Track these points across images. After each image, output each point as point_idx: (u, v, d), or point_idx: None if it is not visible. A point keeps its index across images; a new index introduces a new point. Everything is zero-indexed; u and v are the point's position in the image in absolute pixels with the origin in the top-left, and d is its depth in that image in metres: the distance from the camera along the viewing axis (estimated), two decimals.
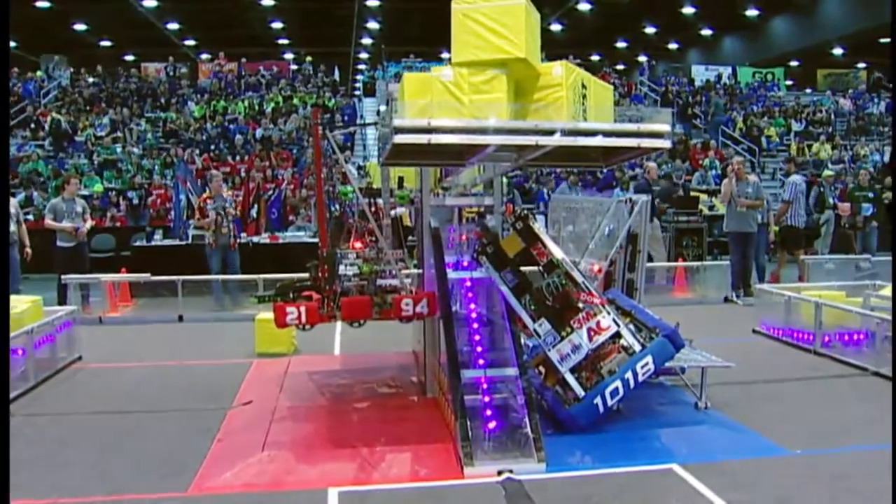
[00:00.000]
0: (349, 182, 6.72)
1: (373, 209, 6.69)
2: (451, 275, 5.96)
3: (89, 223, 11.37)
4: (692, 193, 17.15)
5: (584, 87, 4.93)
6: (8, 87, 22.40)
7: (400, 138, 4.54)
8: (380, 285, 6.11)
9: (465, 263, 6.11)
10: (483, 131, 4.59)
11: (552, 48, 30.29)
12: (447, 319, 5.56)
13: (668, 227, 14.07)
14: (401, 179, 6.93)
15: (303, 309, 5.84)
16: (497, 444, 5.02)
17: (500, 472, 4.73)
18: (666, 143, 5.09)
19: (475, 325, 5.77)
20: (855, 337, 7.88)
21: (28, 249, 10.45)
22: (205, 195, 11.70)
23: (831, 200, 16.08)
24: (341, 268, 6.07)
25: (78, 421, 6.09)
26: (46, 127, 21.77)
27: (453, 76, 4.65)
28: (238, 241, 11.79)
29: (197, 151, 20.29)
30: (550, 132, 4.61)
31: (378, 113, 20.69)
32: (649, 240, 12.56)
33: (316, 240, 6.59)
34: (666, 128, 4.98)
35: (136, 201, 17.79)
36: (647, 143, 5.01)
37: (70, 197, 11.07)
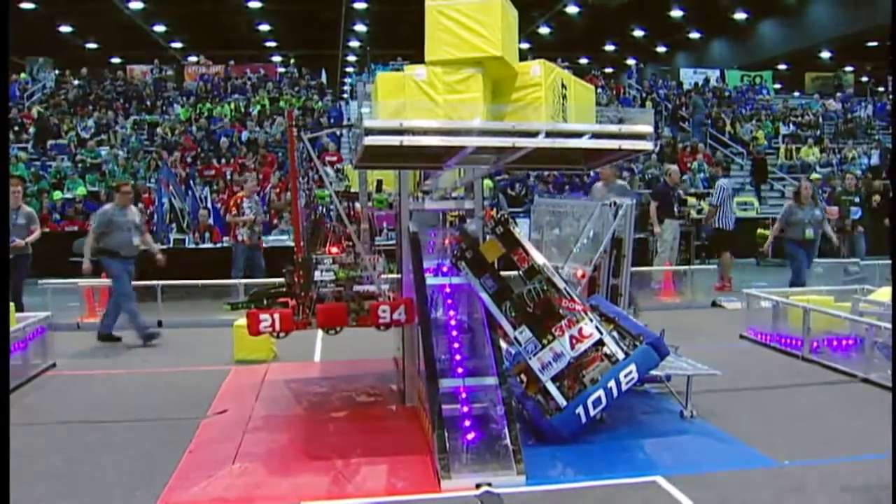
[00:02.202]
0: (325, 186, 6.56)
1: (351, 213, 6.54)
2: (431, 280, 5.82)
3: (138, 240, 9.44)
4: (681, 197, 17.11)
5: (563, 86, 4.78)
6: (7, 87, 22.10)
7: (371, 140, 4.39)
8: (357, 291, 5.95)
9: (445, 269, 5.98)
10: (457, 133, 4.44)
11: (540, 51, 30.24)
12: (425, 326, 5.40)
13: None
14: (379, 183, 6.79)
15: (276, 316, 5.68)
16: (475, 456, 4.87)
17: (478, 486, 4.59)
18: (648, 145, 4.94)
19: (454, 333, 5.63)
20: (844, 343, 7.77)
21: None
22: (240, 194, 12.10)
23: (820, 204, 16.00)
24: (317, 273, 5.91)
25: (46, 431, 5.91)
26: (31, 129, 21.53)
27: (427, 75, 4.48)
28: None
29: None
30: (528, 133, 4.45)
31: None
32: (671, 238, 12.48)
33: None
34: (648, 129, 4.83)
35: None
36: (628, 144, 4.85)
37: (125, 205, 9.21)
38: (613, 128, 4.81)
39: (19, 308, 8.82)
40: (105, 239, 8.96)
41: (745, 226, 17.78)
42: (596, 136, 4.74)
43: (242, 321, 7.68)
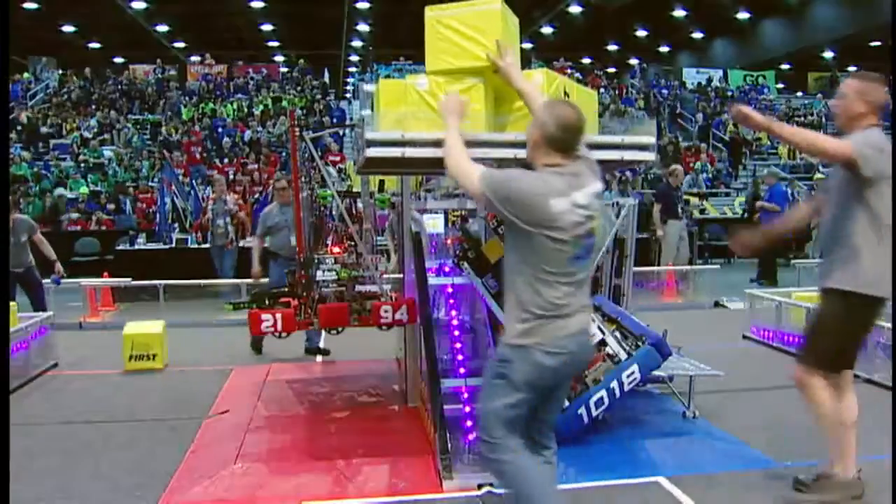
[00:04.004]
0: (328, 185, 6.56)
1: (353, 212, 6.55)
2: (433, 280, 5.80)
3: None
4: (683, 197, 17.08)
5: (566, 94, 4.75)
6: (7, 87, 22.15)
7: (373, 152, 4.40)
8: (358, 291, 5.94)
9: (448, 269, 5.96)
10: None
11: (543, 51, 30.34)
12: (427, 326, 5.39)
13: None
14: (381, 182, 6.78)
15: (278, 316, 5.66)
16: (478, 457, 4.85)
17: (480, 486, 4.56)
18: (650, 156, 4.95)
19: (456, 333, 5.63)
20: None
21: None
22: (212, 196, 11.79)
23: None
24: (319, 273, 5.90)
25: (47, 431, 5.91)
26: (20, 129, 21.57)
27: (429, 85, 4.44)
28: (233, 242, 11.82)
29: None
30: None
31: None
32: (675, 239, 12.36)
33: None
34: (650, 140, 4.85)
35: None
36: (630, 155, 4.88)
37: (284, 203, 8.16)
38: (615, 139, 4.82)
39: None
40: (269, 239, 8.49)
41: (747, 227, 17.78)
42: (598, 146, 4.76)
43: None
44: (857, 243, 4.14)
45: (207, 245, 12.69)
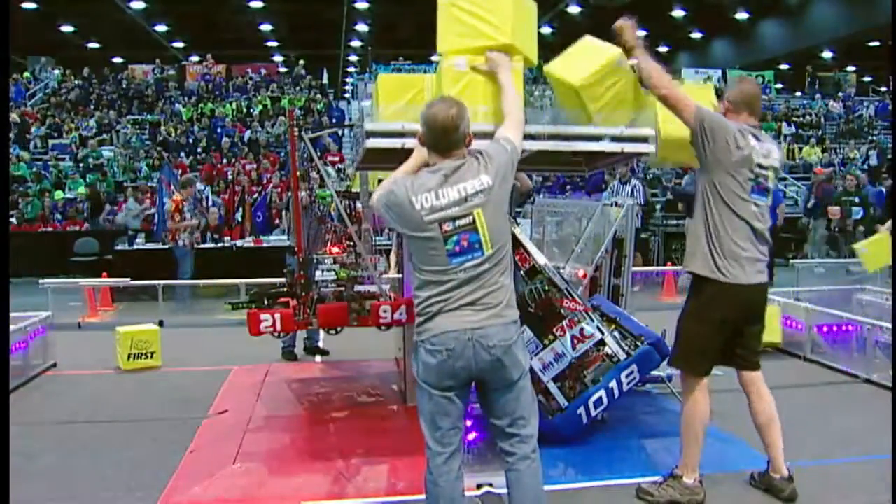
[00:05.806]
0: (327, 185, 6.56)
1: (353, 213, 6.55)
2: None
3: None
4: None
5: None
6: (8, 88, 22.09)
7: (372, 143, 4.39)
8: (358, 291, 5.94)
9: None
10: None
11: (543, 51, 30.22)
12: None
13: (656, 231, 13.95)
14: (380, 182, 6.77)
15: (277, 316, 5.66)
16: (477, 457, 4.87)
17: (479, 486, 4.55)
18: (650, 148, 4.90)
19: None
20: (844, 328, 7.72)
21: None
22: (178, 197, 11.59)
23: None
24: (318, 273, 5.90)
25: (46, 431, 5.91)
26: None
27: (468, 63, 4.32)
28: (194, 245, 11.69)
29: (183, 154, 20.11)
30: (530, 136, 4.43)
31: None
32: None
33: None
34: (651, 132, 4.81)
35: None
36: (630, 147, 4.84)
37: None
38: (615, 130, 4.78)
39: None
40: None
41: None
42: (597, 138, 4.74)
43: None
44: (698, 228, 4.27)
45: (167, 246, 12.17)
